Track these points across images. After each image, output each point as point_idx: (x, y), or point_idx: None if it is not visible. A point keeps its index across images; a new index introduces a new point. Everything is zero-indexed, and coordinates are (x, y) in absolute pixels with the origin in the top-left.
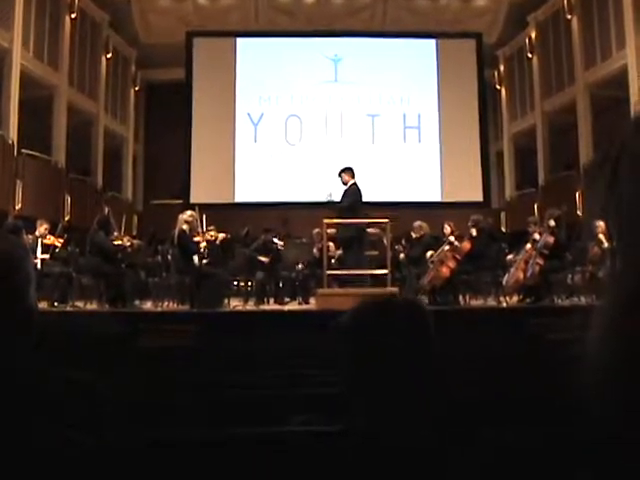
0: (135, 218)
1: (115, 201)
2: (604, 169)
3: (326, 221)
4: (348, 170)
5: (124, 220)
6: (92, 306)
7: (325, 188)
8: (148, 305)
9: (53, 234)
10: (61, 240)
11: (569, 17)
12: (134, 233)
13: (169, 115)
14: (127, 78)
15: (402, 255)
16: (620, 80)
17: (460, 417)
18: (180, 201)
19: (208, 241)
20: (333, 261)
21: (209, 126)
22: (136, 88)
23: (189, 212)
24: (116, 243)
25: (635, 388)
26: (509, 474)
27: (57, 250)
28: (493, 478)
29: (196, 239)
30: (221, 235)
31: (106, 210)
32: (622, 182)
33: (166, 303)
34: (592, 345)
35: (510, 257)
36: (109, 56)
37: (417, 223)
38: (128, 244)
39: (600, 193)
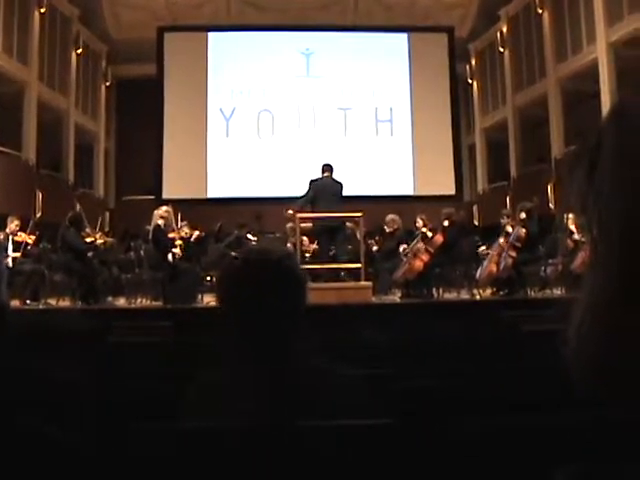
0: (107, 214)
1: (86, 197)
2: (581, 161)
3: (299, 215)
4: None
5: (99, 219)
6: (64, 303)
7: (298, 182)
8: (121, 302)
9: (24, 231)
10: (32, 237)
11: (540, 11)
12: (106, 229)
13: (140, 111)
14: (98, 73)
15: (375, 249)
16: (591, 74)
17: (432, 407)
18: (152, 197)
19: (182, 238)
20: (307, 255)
21: (181, 121)
22: (107, 84)
23: (164, 207)
24: (88, 240)
25: (617, 377)
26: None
27: (29, 247)
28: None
29: (171, 235)
30: (196, 232)
31: (78, 207)
32: (601, 174)
33: (139, 299)
34: (572, 336)
35: (483, 249)
36: (79, 51)
37: (390, 217)
38: (101, 241)
39: (577, 184)
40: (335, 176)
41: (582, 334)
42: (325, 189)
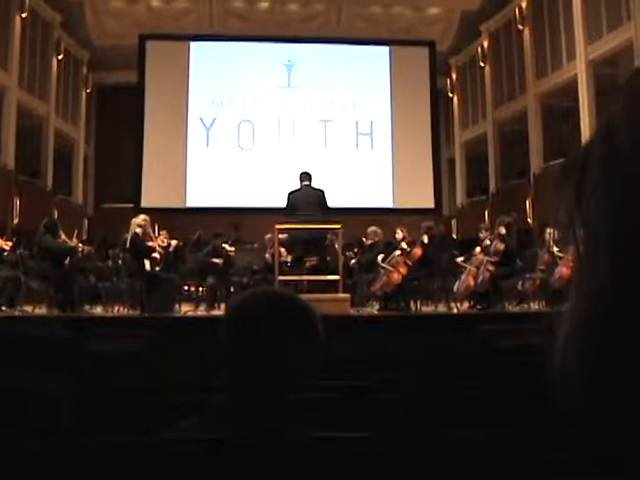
0: (85, 222)
1: (65, 204)
2: (570, 175)
3: (278, 227)
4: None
5: (75, 230)
6: (41, 311)
7: (277, 193)
8: (98, 310)
9: (1, 237)
10: (9, 243)
11: (521, 27)
12: (84, 237)
13: (121, 118)
14: (78, 80)
15: (353, 261)
16: (570, 90)
17: (411, 419)
18: (131, 205)
19: (160, 246)
20: (288, 265)
21: (161, 130)
22: (88, 90)
23: (142, 216)
24: (65, 247)
25: (604, 395)
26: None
27: (5, 253)
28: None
29: (149, 244)
30: (174, 242)
31: (55, 213)
32: (592, 188)
33: (116, 308)
34: (557, 352)
35: (460, 259)
36: (60, 57)
37: (372, 229)
38: (79, 249)
39: (566, 198)
40: (315, 184)
41: (568, 350)
42: (303, 198)
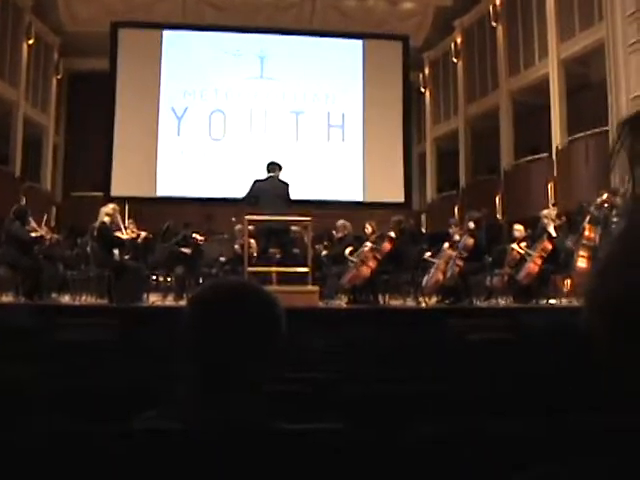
0: (54, 209)
1: (33, 191)
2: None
3: (248, 217)
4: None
5: (45, 215)
6: (8, 299)
7: (248, 184)
8: (66, 299)
9: None
10: None
11: (494, 24)
12: (53, 225)
13: (91, 105)
14: (49, 66)
15: (323, 254)
16: (542, 88)
17: (379, 411)
18: (101, 194)
19: (128, 235)
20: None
21: (132, 118)
22: (58, 77)
23: (111, 205)
24: (34, 235)
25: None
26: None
27: None
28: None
29: (117, 234)
30: (143, 234)
31: (23, 200)
32: None
33: (84, 297)
34: (595, 276)
35: (428, 254)
36: (31, 42)
37: (340, 222)
38: (48, 237)
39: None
40: (286, 178)
41: (606, 274)
42: (268, 190)
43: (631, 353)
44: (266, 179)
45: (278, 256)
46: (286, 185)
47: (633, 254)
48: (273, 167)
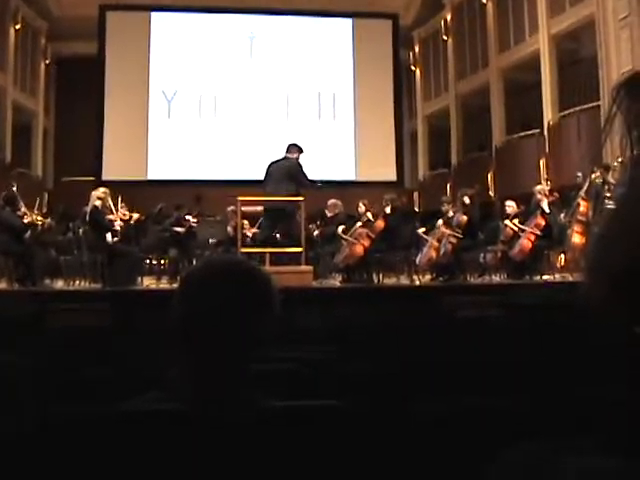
0: (45, 195)
1: (24, 177)
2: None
3: (240, 199)
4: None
5: (37, 200)
6: (1, 285)
7: (239, 166)
8: (59, 284)
9: None
10: None
11: (484, 1)
12: (44, 210)
13: (81, 90)
14: (37, 51)
15: (316, 233)
16: (533, 64)
17: (374, 389)
18: (92, 178)
19: (122, 220)
20: (248, 239)
21: (122, 102)
22: (47, 61)
23: (102, 189)
24: (25, 221)
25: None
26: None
27: None
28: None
29: (109, 217)
30: (135, 215)
31: (14, 186)
32: None
33: (78, 282)
34: (596, 244)
35: (422, 230)
36: (18, 27)
37: (332, 201)
38: (39, 223)
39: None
40: (277, 157)
41: (608, 242)
42: (275, 169)
43: (632, 322)
44: (279, 160)
45: (279, 237)
46: (291, 163)
47: (635, 220)
48: (289, 148)
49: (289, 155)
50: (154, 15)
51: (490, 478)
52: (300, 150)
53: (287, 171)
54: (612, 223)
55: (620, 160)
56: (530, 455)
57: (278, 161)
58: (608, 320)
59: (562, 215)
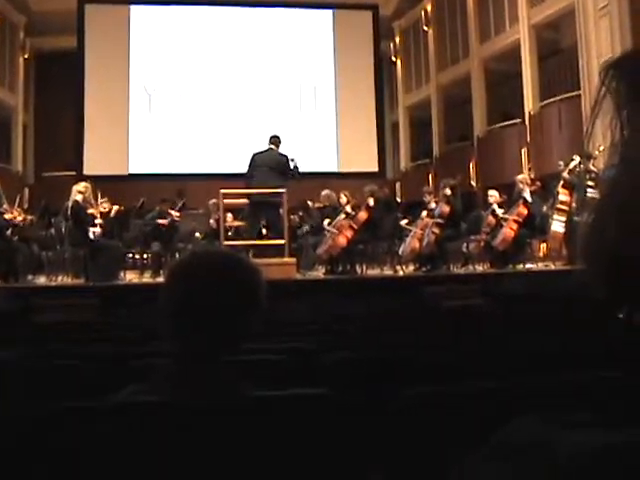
0: (26, 190)
1: (4, 173)
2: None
3: (223, 191)
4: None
5: (19, 196)
6: None
7: (220, 158)
8: (42, 280)
9: None
10: None
11: None
12: (26, 206)
13: (60, 84)
14: (15, 46)
15: (299, 225)
16: (513, 55)
17: (358, 379)
18: (73, 173)
19: (102, 213)
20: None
21: (102, 96)
22: (25, 56)
23: (83, 183)
24: (7, 217)
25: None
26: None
27: None
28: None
29: (90, 211)
30: (115, 207)
31: None
32: None
33: (60, 277)
34: (589, 224)
35: (405, 221)
36: None
37: (325, 192)
38: (20, 218)
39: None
40: (260, 149)
41: (600, 223)
42: (262, 161)
43: (630, 300)
44: (264, 152)
45: (264, 231)
46: (282, 156)
47: (628, 198)
48: (271, 139)
49: (274, 147)
50: (133, 8)
51: (481, 459)
52: (280, 140)
53: (277, 164)
54: (604, 207)
55: (602, 148)
56: (523, 431)
57: (263, 152)
58: (608, 307)
59: (544, 204)
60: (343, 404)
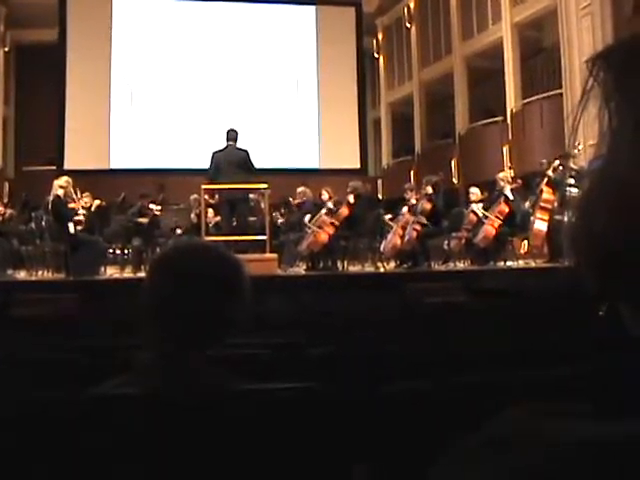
0: (6, 185)
1: None
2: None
3: (204, 187)
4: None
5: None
6: None
7: (202, 154)
8: (22, 274)
9: None
10: None
11: None
12: (5, 200)
13: (41, 78)
14: None
15: (281, 221)
16: (495, 52)
17: (339, 375)
18: (54, 167)
19: (83, 208)
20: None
21: (83, 89)
22: (6, 49)
23: (64, 178)
24: None
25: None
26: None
27: None
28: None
29: (71, 205)
30: (96, 202)
31: None
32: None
33: (40, 272)
34: (577, 210)
35: (388, 217)
36: None
37: (301, 189)
38: (1, 212)
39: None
40: (240, 146)
41: (590, 208)
42: (226, 158)
43: (625, 289)
44: (224, 149)
45: (235, 224)
46: (244, 152)
47: (615, 189)
48: (231, 134)
49: (232, 142)
50: (115, 1)
51: (466, 452)
52: (237, 134)
53: (241, 161)
54: (591, 199)
55: (581, 147)
56: (510, 423)
57: (223, 150)
58: (599, 303)
59: (526, 202)
60: (321, 399)
